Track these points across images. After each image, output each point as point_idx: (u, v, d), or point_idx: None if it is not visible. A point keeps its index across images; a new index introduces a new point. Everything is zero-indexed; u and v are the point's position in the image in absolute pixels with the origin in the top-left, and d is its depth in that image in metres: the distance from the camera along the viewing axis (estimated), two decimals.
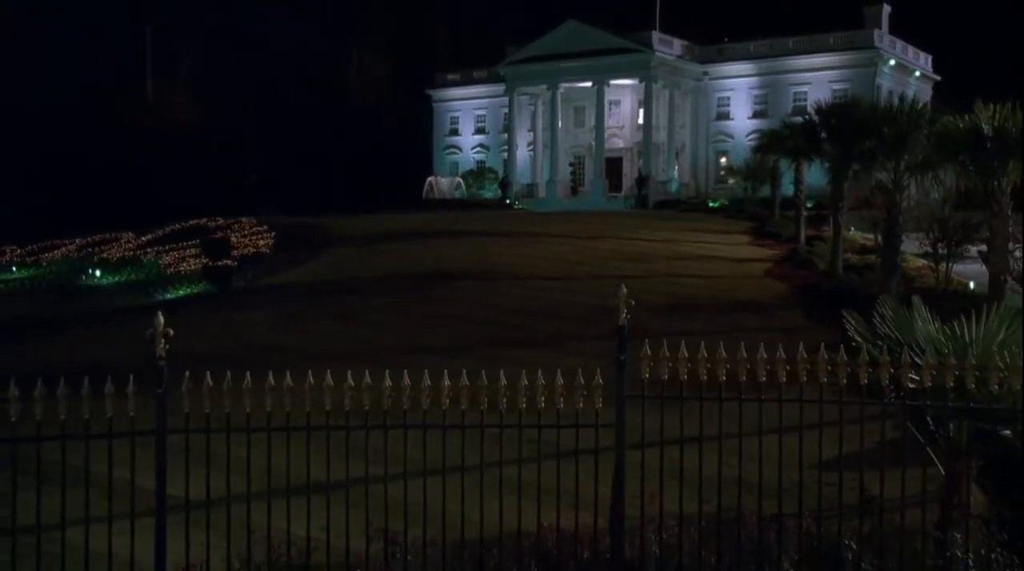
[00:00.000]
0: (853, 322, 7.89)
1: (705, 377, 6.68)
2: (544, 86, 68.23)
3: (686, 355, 6.64)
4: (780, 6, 73.16)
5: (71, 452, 6.40)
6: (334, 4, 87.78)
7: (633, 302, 6.65)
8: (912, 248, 27.06)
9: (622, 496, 6.77)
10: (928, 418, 7.79)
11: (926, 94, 63.41)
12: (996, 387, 6.65)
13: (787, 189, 41.01)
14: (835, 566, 7.23)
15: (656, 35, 64.74)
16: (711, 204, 56.29)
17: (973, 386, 6.38)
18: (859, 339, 7.19)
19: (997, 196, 17.09)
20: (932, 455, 7.89)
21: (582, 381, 6.55)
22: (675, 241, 37.11)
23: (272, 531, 6.59)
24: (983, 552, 6.97)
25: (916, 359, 6.88)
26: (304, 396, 6.40)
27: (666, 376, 6.68)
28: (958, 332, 7.50)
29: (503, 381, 6.48)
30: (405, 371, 6.54)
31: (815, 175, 37.13)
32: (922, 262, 27.52)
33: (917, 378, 6.87)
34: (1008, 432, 8.04)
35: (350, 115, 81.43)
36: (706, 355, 6.63)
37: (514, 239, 37.47)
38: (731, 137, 66.65)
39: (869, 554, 7.28)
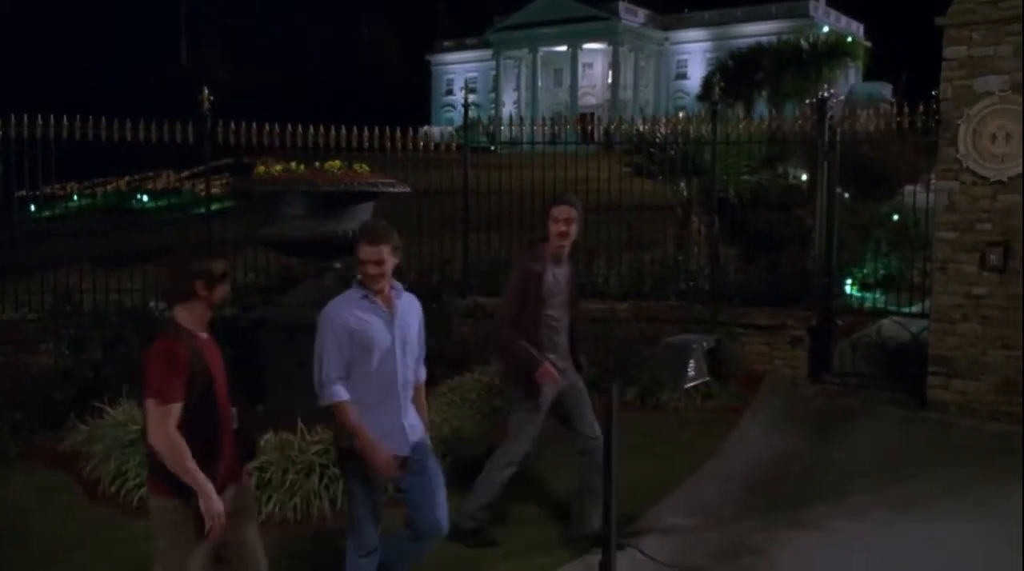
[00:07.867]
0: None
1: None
2: (526, 51, 69.86)
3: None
4: None
5: None
6: None
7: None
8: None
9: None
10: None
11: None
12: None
13: None
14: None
15: (622, 5, 66.27)
16: None
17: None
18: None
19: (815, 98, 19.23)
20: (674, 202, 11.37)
21: None
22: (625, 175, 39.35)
23: None
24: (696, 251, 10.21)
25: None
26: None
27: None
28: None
29: None
30: None
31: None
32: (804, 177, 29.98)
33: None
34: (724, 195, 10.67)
35: (362, 78, 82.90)
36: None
37: (493, 172, 39.58)
38: (688, 94, 68.08)
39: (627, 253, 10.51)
